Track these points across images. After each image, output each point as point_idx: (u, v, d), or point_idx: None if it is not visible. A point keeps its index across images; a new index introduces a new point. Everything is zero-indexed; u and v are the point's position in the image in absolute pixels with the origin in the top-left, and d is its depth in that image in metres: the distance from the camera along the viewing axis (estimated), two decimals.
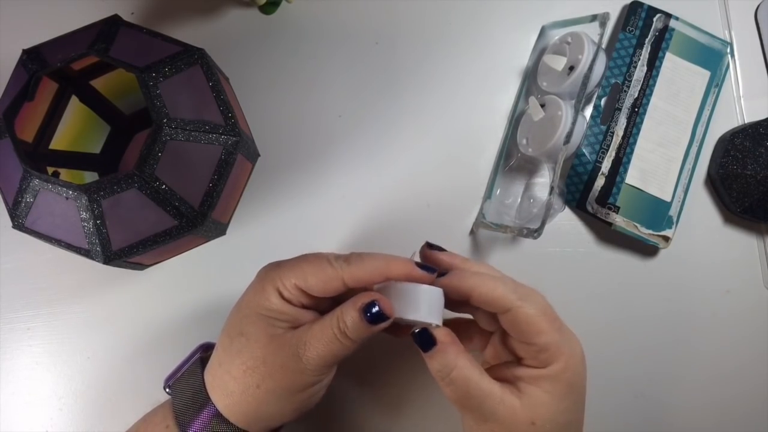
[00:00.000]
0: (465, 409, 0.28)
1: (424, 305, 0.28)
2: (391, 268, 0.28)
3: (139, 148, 0.31)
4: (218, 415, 0.28)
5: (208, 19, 0.43)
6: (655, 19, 0.42)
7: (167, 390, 0.32)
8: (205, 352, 0.33)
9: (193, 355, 0.33)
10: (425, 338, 0.28)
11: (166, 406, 0.31)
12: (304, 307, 0.29)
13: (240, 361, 0.28)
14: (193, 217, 0.33)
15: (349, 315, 0.27)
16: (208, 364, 0.30)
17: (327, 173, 0.42)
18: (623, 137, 0.41)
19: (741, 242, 0.42)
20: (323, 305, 0.30)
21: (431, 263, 0.31)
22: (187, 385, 0.30)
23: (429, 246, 0.32)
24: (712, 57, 0.42)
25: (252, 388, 0.28)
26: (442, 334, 0.28)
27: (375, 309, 0.27)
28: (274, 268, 0.29)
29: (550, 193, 0.36)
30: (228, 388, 0.28)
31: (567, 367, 0.28)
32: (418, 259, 0.32)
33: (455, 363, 0.27)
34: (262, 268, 0.30)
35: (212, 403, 0.29)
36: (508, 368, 0.29)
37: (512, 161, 0.41)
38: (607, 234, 0.42)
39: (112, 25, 0.34)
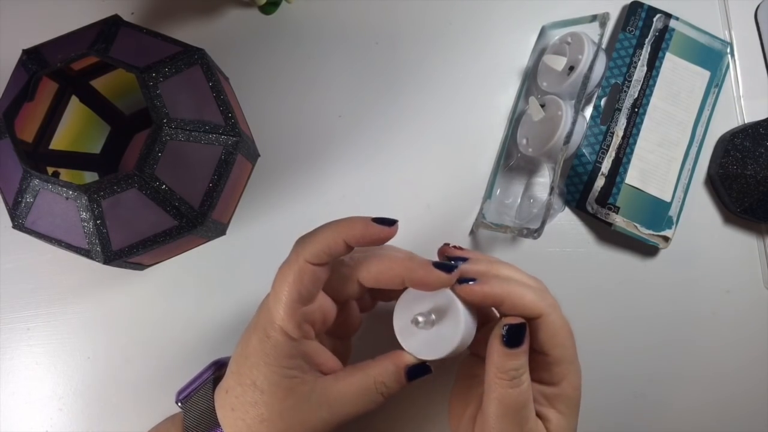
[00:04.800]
0: (513, 418, 0.27)
1: (462, 322, 0.27)
2: (347, 232, 0.27)
3: (139, 148, 0.31)
4: None
5: (208, 19, 0.43)
6: (655, 20, 0.42)
7: (179, 405, 0.32)
8: (218, 370, 0.32)
9: (204, 372, 0.33)
10: (520, 333, 0.27)
11: (177, 423, 0.31)
12: (314, 332, 0.29)
13: (255, 413, 0.28)
14: (193, 217, 0.33)
15: (387, 375, 0.28)
16: (219, 399, 0.30)
17: (327, 173, 0.42)
18: (623, 137, 0.41)
19: (741, 242, 0.42)
20: (332, 321, 0.30)
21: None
22: (198, 409, 0.30)
23: (447, 245, 0.31)
24: (712, 57, 0.42)
25: None
26: (528, 334, 0.27)
27: (422, 367, 0.28)
28: (267, 308, 0.28)
29: (550, 193, 0.36)
30: None
31: (576, 386, 0.28)
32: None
33: (527, 367, 0.27)
34: (258, 309, 0.30)
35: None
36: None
37: (512, 161, 0.41)
38: (607, 234, 0.42)
39: (112, 25, 0.34)
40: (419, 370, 0.28)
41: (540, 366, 0.28)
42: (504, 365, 0.27)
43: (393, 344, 0.29)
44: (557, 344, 0.27)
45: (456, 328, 0.27)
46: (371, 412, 0.28)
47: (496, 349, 0.27)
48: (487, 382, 0.27)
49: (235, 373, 0.29)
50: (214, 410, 0.29)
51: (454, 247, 0.32)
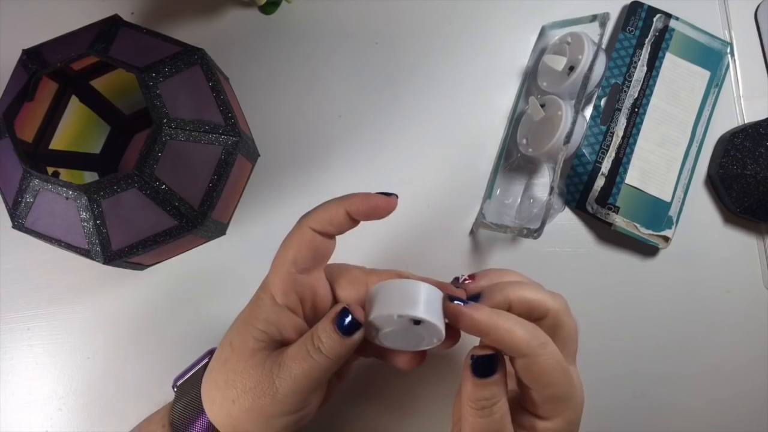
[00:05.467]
0: None
1: (422, 300, 0.26)
2: (349, 204, 0.27)
3: (139, 148, 0.31)
4: (211, 428, 0.28)
5: (208, 19, 0.43)
6: (655, 20, 0.42)
7: (175, 390, 0.32)
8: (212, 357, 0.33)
9: (201, 360, 0.33)
10: (490, 364, 0.26)
11: (168, 407, 0.31)
12: (302, 311, 0.28)
13: (224, 371, 0.28)
14: (193, 217, 0.33)
15: (321, 327, 0.26)
16: (207, 371, 0.30)
17: (327, 173, 0.42)
18: (623, 137, 0.41)
19: (741, 242, 0.42)
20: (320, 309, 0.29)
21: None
22: (187, 390, 0.30)
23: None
24: (712, 57, 0.42)
25: (228, 402, 0.27)
26: (504, 360, 0.26)
27: (348, 318, 0.26)
28: (267, 275, 0.29)
29: (550, 193, 0.36)
30: (211, 395, 0.28)
31: (570, 422, 0.27)
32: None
33: (502, 394, 0.26)
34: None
35: (205, 414, 0.28)
36: (515, 413, 0.28)
37: (512, 161, 0.41)
38: (607, 234, 0.42)
39: (112, 25, 0.34)
40: (345, 317, 0.26)
41: (532, 400, 0.27)
42: (473, 395, 0.26)
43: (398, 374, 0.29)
44: (547, 384, 0.26)
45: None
46: (321, 379, 0.27)
47: (467, 376, 0.26)
48: (462, 408, 0.27)
49: (223, 337, 0.29)
50: (200, 397, 0.29)
51: (465, 280, 0.30)
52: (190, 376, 0.31)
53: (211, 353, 0.33)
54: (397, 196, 0.28)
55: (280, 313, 0.28)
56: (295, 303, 0.28)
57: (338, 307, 0.27)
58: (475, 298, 0.27)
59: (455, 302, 0.26)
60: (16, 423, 0.39)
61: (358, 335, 0.26)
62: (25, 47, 0.34)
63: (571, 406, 0.27)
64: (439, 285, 0.28)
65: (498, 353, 0.26)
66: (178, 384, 0.32)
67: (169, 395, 0.32)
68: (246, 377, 0.27)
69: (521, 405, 0.28)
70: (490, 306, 0.26)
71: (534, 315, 0.27)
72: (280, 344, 0.28)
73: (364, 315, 0.27)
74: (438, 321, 0.26)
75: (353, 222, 0.28)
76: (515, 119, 0.42)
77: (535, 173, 0.41)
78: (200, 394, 0.29)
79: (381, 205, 0.28)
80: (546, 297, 0.27)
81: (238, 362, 0.27)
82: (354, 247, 0.41)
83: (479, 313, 0.25)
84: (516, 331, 0.25)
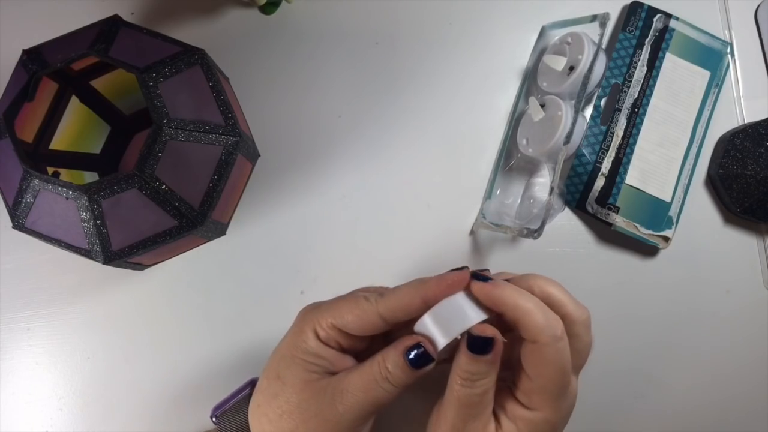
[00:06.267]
0: (458, 411, 0.27)
1: (470, 310, 0.27)
2: (425, 290, 0.27)
3: (139, 148, 0.31)
4: None
5: (208, 19, 0.43)
6: (655, 20, 0.42)
7: (214, 420, 0.32)
8: (254, 388, 0.32)
9: (241, 390, 0.33)
10: (484, 344, 0.26)
11: None
12: (342, 349, 0.29)
13: (276, 405, 0.28)
14: (193, 217, 0.33)
15: (391, 359, 0.27)
16: (252, 402, 0.30)
17: (327, 173, 0.42)
18: (623, 137, 0.41)
19: (741, 242, 0.42)
20: (362, 348, 0.29)
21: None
22: (233, 421, 0.31)
23: (475, 276, 0.28)
24: (712, 57, 0.42)
25: None
26: (499, 344, 0.26)
27: (419, 351, 0.26)
28: (312, 309, 0.29)
29: (550, 193, 0.36)
30: (264, 430, 0.28)
31: (548, 420, 0.27)
32: None
33: (490, 373, 0.26)
34: (302, 309, 0.30)
35: None
36: (501, 393, 0.28)
37: (512, 161, 0.41)
38: (607, 234, 0.42)
39: (112, 25, 0.34)
40: (417, 352, 0.27)
41: (522, 385, 0.27)
42: (463, 365, 0.26)
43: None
44: (541, 375, 0.26)
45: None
46: (387, 405, 0.27)
47: (462, 348, 0.27)
48: (450, 376, 0.27)
49: (266, 369, 0.29)
50: (248, 427, 0.29)
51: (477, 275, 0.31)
52: (232, 406, 0.32)
53: (251, 384, 0.33)
54: (467, 268, 0.28)
55: (326, 348, 0.28)
56: (336, 344, 0.29)
57: (408, 341, 0.27)
58: None
59: (479, 281, 0.27)
60: (16, 423, 0.39)
61: (428, 367, 0.27)
62: (25, 47, 0.34)
63: (557, 407, 0.27)
64: (460, 275, 0.28)
65: (495, 339, 0.26)
66: (217, 414, 0.32)
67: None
68: (305, 408, 0.27)
69: (509, 388, 0.28)
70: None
71: None
72: (330, 371, 0.28)
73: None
74: (484, 315, 0.27)
75: (426, 307, 0.27)
76: (515, 119, 0.42)
77: (535, 173, 0.41)
78: (248, 427, 0.29)
79: (456, 279, 0.27)
80: (569, 301, 0.28)
81: (292, 395, 0.28)
82: (355, 247, 0.41)
83: (501, 291, 0.26)
84: (536, 315, 0.26)
